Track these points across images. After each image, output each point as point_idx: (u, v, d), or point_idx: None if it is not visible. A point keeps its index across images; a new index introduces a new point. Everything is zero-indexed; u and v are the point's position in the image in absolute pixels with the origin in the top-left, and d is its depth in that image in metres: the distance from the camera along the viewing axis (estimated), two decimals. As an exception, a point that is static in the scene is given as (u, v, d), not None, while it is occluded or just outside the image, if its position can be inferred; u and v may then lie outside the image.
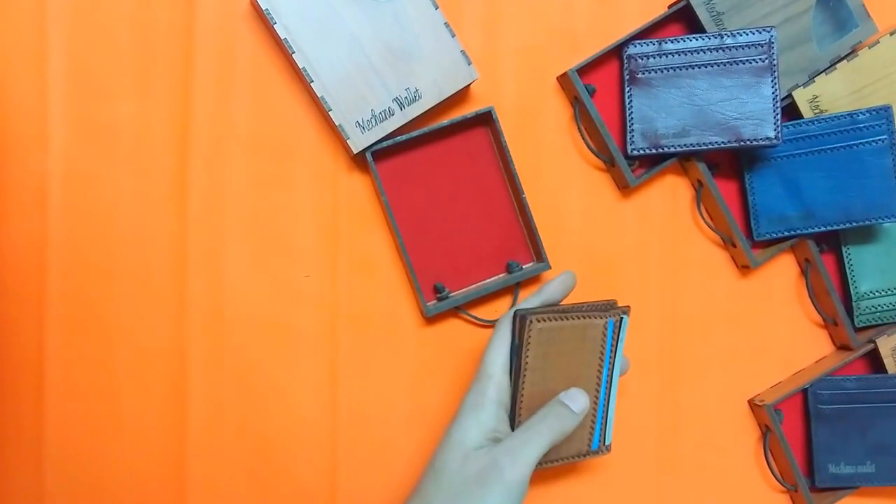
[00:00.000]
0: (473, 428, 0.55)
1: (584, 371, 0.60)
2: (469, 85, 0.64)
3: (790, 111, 0.68)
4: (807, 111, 0.68)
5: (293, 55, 0.60)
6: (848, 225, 0.67)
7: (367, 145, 0.62)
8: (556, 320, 0.57)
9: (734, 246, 0.69)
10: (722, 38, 0.64)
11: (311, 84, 0.61)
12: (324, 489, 0.67)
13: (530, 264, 0.68)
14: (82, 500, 0.64)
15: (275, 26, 0.60)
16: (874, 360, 0.71)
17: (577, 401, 0.57)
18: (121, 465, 0.65)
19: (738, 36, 0.64)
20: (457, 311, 0.68)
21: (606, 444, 0.62)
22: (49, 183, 0.63)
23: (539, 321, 0.56)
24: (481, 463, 0.52)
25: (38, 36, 0.63)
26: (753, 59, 0.64)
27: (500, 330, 0.58)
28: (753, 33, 0.64)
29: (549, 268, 0.67)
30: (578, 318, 0.58)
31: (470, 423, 0.55)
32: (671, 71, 0.65)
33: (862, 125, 0.66)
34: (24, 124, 0.63)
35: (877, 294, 0.70)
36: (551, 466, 0.60)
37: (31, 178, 0.63)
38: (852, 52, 0.67)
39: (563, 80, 0.67)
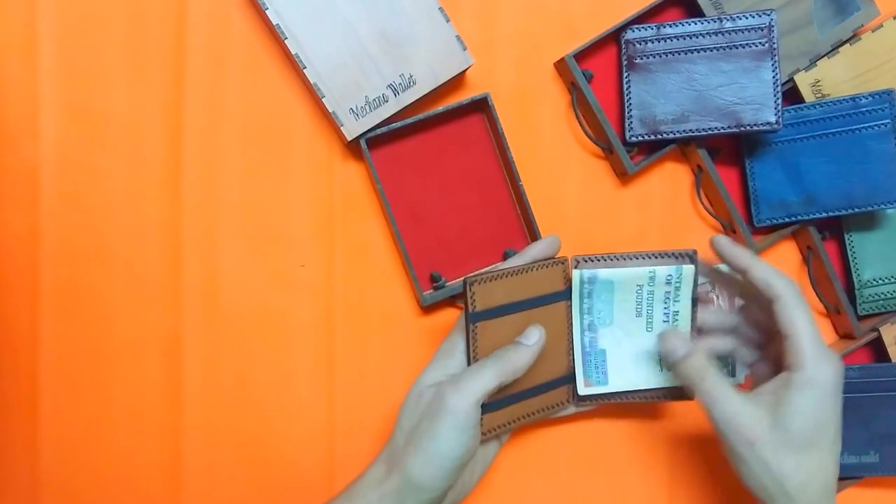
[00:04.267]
0: (438, 371, 0.57)
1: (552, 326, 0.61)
2: (464, 71, 0.63)
3: (792, 95, 0.68)
4: (809, 95, 0.67)
5: (285, 41, 0.59)
6: (850, 211, 0.66)
7: (361, 132, 0.62)
8: (495, 279, 0.57)
9: (734, 232, 0.68)
10: (721, 21, 0.63)
11: (304, 70, 0.60)
12: (321, 478, 0.66)
13: (528, 253, 0.67)
14: (78, 490, 0.64)
15: (267, 12, 0.59)
16: (878, 349, 0.71)
17: (529, 335, 0.58)
18: (116, 455, 0.64)
19: (737, 20, 0.63)
20: (453, 300, 0.67)
21: (580, 394, 0.64)
22: (41, 172, 0.63)
23: (478, 283, 0.56)
24: (430, 396, 0.55)
25: (28, 23, 0.62)
26: (753, 43, 0.63)
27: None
28: (753, 17, 0.63)
29: (547, 256, 0.66)
30: (519, 273, 0.59)
31: (436, 367, 0.58)
32: (670, 56, 0.64)
33: (864, 109, 0.65)
34: (16, 113, 0.62)
35: (880, 282, 0.69)
36: (534, 420, 0.62)
37: (22, 167, 0.63)
38: (854, 36, 0.67)
39: (560, 65, 0.67)
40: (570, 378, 0.63)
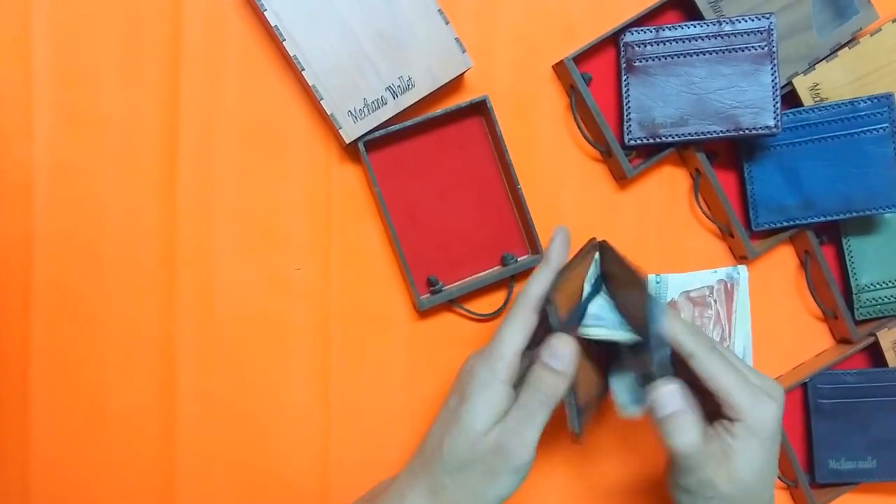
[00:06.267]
0: (482, 410, 0.53)
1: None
2: (463, 73, 0.63)
3: (790, 99, 0.67)
4: (807, 99, 0.67)
5: (284, 43, 0.59)
6: (848, 215, 0.66)
7: (359, 135, 0.61)
8: (565, 280, 0.55)
9: (732, 236, 0.68)
10: (720, 24, 0.63)
11: (303, 72, 0.59)
12: (316, 484, 0.66)
13: (525, 257, 0.67)
14: (68, 495, 0.63)
15: (265, 13, 0.59)
16: (875, 354, 0.70)
17: (558, 356, 0.53)
18: (108, 459, 0.64)
19: (736, 23, 0.63)
20: (451, 304, 0.66)
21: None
22: (34, 174, 0.62)
23: (556, 292, 0.54)
24: (488, 448, 0.52)
25: (22, 22, 0.61)
26: (752, 47, 0.63)
27: (519, 311, 0.55)
28: (752, 20, 0.63)
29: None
30: (578, 264, 0.57)
31: (480, 405, 0.53)
32: (669, 59, 0.64)
33: (863, 113, 0.65)
34: (8, 114, 0.61)
35: (877, 286, 0.69)
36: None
37: (15, 168, 0.62)
38: (853, 40, 0.67)
39: (559, 68, 0.66)
40: None
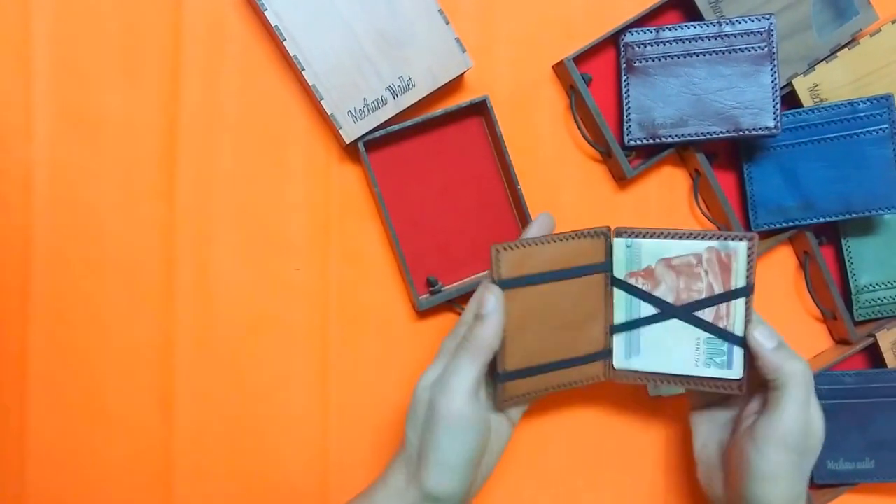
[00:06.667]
0: (435, 371, 0.55)
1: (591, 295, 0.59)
2: (463, 73, 0.63)
3: (790, 100, 0.68)
4: (807, 100, 0.67)
5: (284, 42, 0.59)
6: (847, 216, 0.66)
7: (359, 135, 0.61)
8: (526, 246, 0.55)
9: (732, 238, 0.68)
10: (720, 25, 0.63)
11: (303, 72, 0.59)
12: (315, 484, 0.66)
13: (525, 257, 0.67)
14: (67, 495, 0.63)
15: (265, 13, 0.59)
16: (874, 355, 0.71)
17: (482, 302, 0.54)
18: (106, 460, 0.64)
19: (736, 23, 0.63)
20: (450, 304, 0.67)
21: (615, 367, 0.61)
22: (34, 173, 0.62)
23: (505, 249, 0.54)
24: (424, 403, 0.53)
25: (22, 22, 0.61)
26: (752, 47, 0.63)
27: (487, 280, 0.56)
28: (752, 21, 0.63)
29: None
30: (554, 243, 0.56)
31: (436, 366, 0.55)
32: (669, 59, 0.64)
33: (862, 114, 0.65)
34: (8, 113, 0.61)
35: (877, 287, 0.69)
36: (560, 390, 0.60)
37: (15, 168, 0.62)
38: (853, 41, 0.67)
39: (559, 68, 0.66)
40: (607, 353, 0.61)
